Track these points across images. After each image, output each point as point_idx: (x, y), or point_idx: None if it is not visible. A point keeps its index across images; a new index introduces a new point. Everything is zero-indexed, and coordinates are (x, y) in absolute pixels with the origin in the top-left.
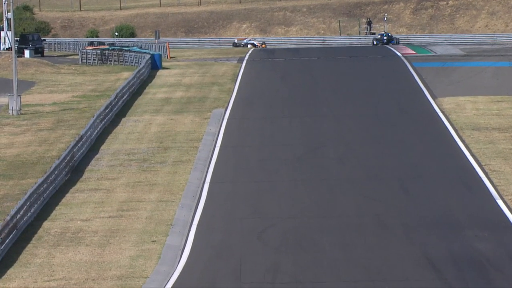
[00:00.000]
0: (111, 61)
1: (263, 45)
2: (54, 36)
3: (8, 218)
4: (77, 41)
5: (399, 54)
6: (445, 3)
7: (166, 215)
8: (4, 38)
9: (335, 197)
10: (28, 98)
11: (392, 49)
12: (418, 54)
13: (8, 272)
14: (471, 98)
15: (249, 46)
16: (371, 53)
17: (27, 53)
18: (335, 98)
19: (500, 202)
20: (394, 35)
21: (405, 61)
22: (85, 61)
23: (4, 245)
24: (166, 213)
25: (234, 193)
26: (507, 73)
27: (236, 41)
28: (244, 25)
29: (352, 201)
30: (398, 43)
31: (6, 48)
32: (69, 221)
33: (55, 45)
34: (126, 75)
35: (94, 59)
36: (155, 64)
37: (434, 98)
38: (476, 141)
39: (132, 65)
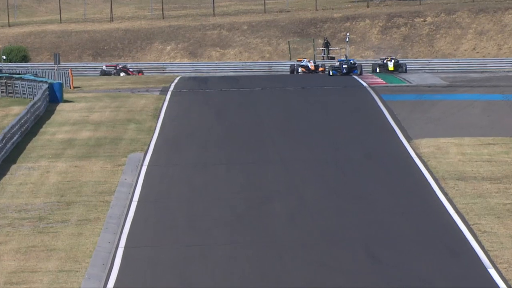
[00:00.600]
0: None
1: (140, 73)
2: None
3: None
4: None
5: (364, 84)
6: (422, 20)
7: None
8: None
9: (284, 266)
10: None
11: (356, 77)
12: (388, 84)
13: None
14: (456, 140)
15: (122, 74)
16: (329, 82)
17: None
18: (285, 139)
19: (492, 272)
20: (359, 60)
21: (372, 93)
22: None
23: None
24: (69, 286)
25: (156, 261)
26: (500, 108)
27: (104, 67)
28: (169, 47)
29: (306, 271)
30: (361, 74)
31: None
32: None
33: None
34: (16, 110)
35: None
36: (54, 96)
37: (409, 140)
38: (462, 194)
39: (24, 98)
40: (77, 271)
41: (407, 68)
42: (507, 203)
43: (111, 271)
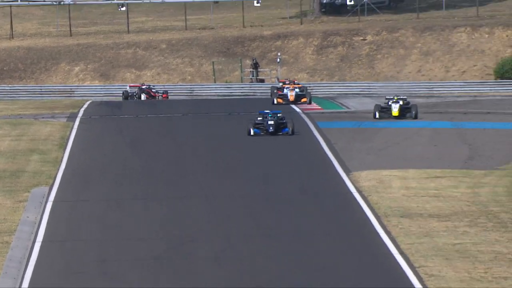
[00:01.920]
0: None
1: (164, 96)
2: None
3: None
4: None
5: (298, 110)
6: (361, 38)
7: None
8: None
9: None
10: None
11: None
12: (325, 110)
13: None
14: (400, 173)
15: (142, 96)
16: (259, 107)
17: None
18: (209, 172)
19: None
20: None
21: (306, 119)
22: None
23: None
24: None
25: None
26: (449, 137)
27: (128, 88)
28: (77, 68)
29: None
30: (311, 102)
31: None
32: None
33: None
34: None
35: None
36: None
37: (347, 172)
38: (406, 233)
39: None
40: None
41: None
42: (456, 243)
43: None
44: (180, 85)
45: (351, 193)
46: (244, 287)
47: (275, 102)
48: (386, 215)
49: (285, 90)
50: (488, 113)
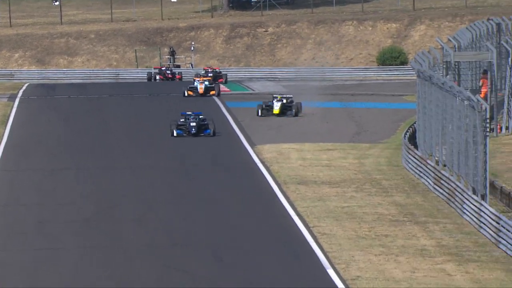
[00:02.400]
0: None
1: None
2: None
3: None
4: None
5: None
6: (264, 30)
7: None
8: None
9: (133, 268)
10: None
11: None
12: (232, 92)
13: None
14: (297, 146)
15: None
16: (175, 89)
17: None
18: (132, 146)
19: (331, 272)
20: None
21: (217, 100)
22: None
23: None
24: None
25: (5, 265)
26: (338, 115)
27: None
28: (17, 55)
29: (153, 273)
30: (219, 95)
31: None
32: None
33: None
34: None
35: None
36: None
37: (252, 145)
38: (303, 198)
39: None
40: None
41: None
42: (344, 206)
43: None
44: (108, 70)
45: (255, 163)
46: (162, 243)
47: (186, 94)
48: (285, 183)
49: (195, 83)
50: (372, 94)
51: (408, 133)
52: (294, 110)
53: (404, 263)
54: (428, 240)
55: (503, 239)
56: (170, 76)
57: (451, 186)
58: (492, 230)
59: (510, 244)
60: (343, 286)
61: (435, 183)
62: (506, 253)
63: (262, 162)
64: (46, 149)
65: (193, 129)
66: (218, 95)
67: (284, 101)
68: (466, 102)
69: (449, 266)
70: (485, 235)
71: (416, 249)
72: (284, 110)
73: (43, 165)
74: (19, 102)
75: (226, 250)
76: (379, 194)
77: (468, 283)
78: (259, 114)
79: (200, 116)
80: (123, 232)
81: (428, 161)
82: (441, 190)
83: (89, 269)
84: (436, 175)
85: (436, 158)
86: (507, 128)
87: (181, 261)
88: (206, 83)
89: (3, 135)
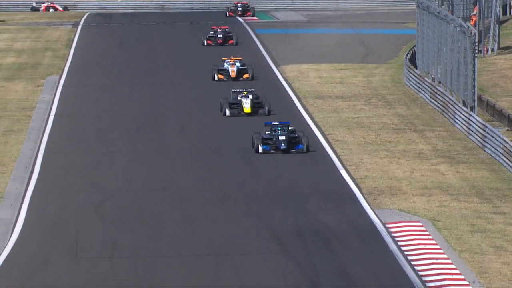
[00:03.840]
0: None
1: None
2: None
3: None
4: None
5: (241, 20)
6: None
7: None
8: None
9: (176, 169)
10: None
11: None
12: (260, 20)
13: None
14: (314, 66)
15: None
16: (213, 19)
17: None
18: (175, 66)
19: (343, 173)
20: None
21: (247, 27)
22: None
23: None
24: None
25: (70, 165)
26: (350, 40)
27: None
28: None
29: (194, 174)
30: (253, 78)
31: None
32: None
33: None
34: None
35: None
36: None
37: (277, 65)
38: (319, 110)
39: None
40: (4, 173)
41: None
42: (355, 117)
43: (32, 173)
44: (155, 1)
45: (279, 81)
46: (200, 148)
47: (216, 78)
48: (305, 97)
49: (225, 65)
50: (378, 22)
51: (408, 55)
52: (267, 108)
53: (405, 165)
54: (425, 145)
55: (488, 143)
56: (220, 41)
57: (445, 99)
58: (479, 136)
59: (494, 148)
60: (354, 184)
61: (431, 97)
62: (491, 155)
63: (285, 80)
64: (104, 68)
65: (283, 144)
66: (252, 78)
67: (250, 97)
68: (458, 28)
69: (443, 167)
70: (473, 141)
71: (415, 152)
72: (255, 107)
73: (102, 82)
74: (81, 29)
75: (254, 155)
76: (384, 107)
77: (459, 180)
78: (227, 114)
79: (290, 127)
80: (168, 139)
81: (426, 79)
82: (436, 103)
83: (139, 170)
84: (433, 90)
85: (433, 76)
86: (492, 50)
87: (217, 164)
88: (238, 64)
89: (68, 56)
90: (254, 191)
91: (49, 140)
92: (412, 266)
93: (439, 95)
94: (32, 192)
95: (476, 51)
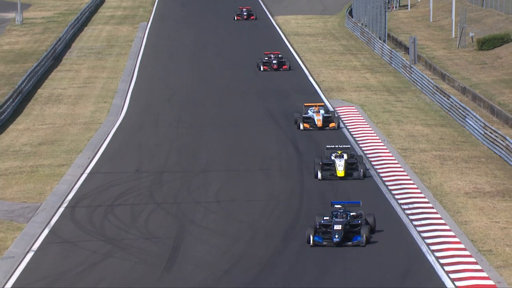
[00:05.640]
0: None
1: None
2: None
3: (16, 87)
4: None
5: None
6: None
7: (112, 86)
8: None
9: (215, 76)
10: (26, 14)
11: None
12: None
13: (17, 119)
14: (294, 17)
15: None
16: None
17: None
18: (218, 19)
19: (310, 79)
20: None
21: None
22: None
23: (14, 103)
24: (113, 85)
25: (154, 73)
26: (314, 1)
27: None
28: None
29: (225, 78)
30: (339, 127)
31: None
32: (53, 89)
33: None
34: (87, 0)
35: None
36: None
37: (272, 15)
38: (297, 42)
39: None
40: (116, 78)
41: None
42: (317, 46)
43: (132, 78)
44: None
45: (273, 25)
46: (230, 64)
47: (302, 127)
48: (288, 35)
49: (309, 112)
50: None
51: (348, 10)
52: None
53: (346, 74)
54: (357, 62)
55: (393, 61)
56: (275, 66)
57: (369, 35)
58: (388, 57)
59: (396, 63)
60: (317, 86)
61: (361, 34)
62: (395, 68)
63: (278, 25)
64: (175, 17)
65: (336, 236)
66: (338, 127)
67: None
68: None
69: (367, 75)
70: (385, 60)
71: (351, 66)
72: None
73: (172, 25)
74: None
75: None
76: (333, 40)
77: (376, 83)
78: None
79: (352, 213)
80: (209, 58)
81: (358, 24)
82: (364, 37)
83: (193, 76)
84: (362, 30)
85: (362, 22)
86: (395, 7)
87: (238, 73)
88: (322, 111)
89: (152, 11)
90: (260, 89)
91: (142, 59)
92: (348, 129)
93: (366, 33)
94: (132, 89)
95: (387, 7)
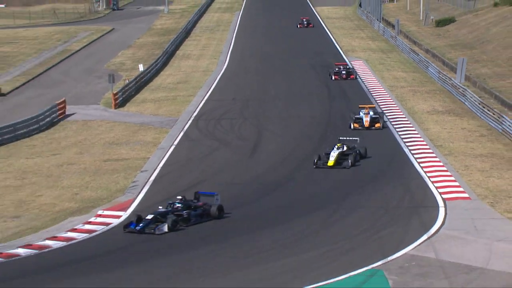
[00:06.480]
0: None
1: None
2: None
3: (164, 49)
4: None
5: None
6: None
7: (219, 49)
8: None
9: (279, 43)
10: (171, 7)
11: None
12: None
13: (164, 69)
14: (326, 7)
15: None
16: None
17: None
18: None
19: (336, 45)
20: None
21: None
22: None
23: (163, 59)
24: (219, 48)
25: (246, 43)
26: None
27: None
28: None
29: (285, 52)
30: (383, 127)
31: None
32: (185, 51)
33: None
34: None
35: None
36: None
37: (314, 6)
38: (328, 22)
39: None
40: (221, 44)
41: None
42: (341, 25)
43: (230, 45)
44: None
45: (316, 14)
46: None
47: (352, 127)
48: (322, 18)
49: (361, 114)
50: None
51: (358, 2)
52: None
53: (357, 41)
54: (364, 34)
55: (386, 35)
56: (344, 76)
57: (370, 19)
58: (384, 34)
59: (387, 35)
60: (340, 48)
61: (366, 18)
62: (388, 40)
63: (317, 13)
64: (256, 10)
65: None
66: (383, 127)
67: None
68: None
69: (370, 42)
70: (383, 35)
71: (360, 37)
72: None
73: (257, 11)
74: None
75: (308, 40)
76: (350, 21)
77: (375, 46)
78: (351, 127)
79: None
80: (283, 40)
81: (364, 11)
82: (367, 20)
83: (272, 45)
84: (367, 15)
85: (367, 10)
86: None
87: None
88: (371, 113)
89: (242, 4)
90: (307, 52)
91: (237, 32)
92: (357, 73)
93: (369, 17)
94: (231, 51)
95: (382, 1)
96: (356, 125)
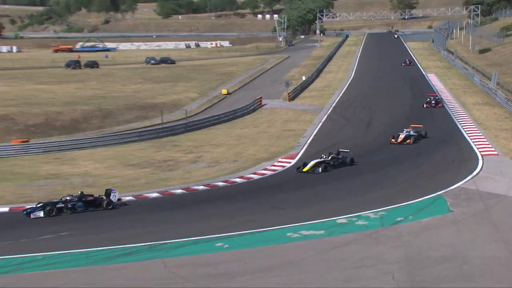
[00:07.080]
0: None
1: None
2: None
3: (317, 68)
4: None
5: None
6: None
7: (348, 67)
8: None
9: (388, 72)
10: (322, 44)
11: None
12: None
13: (316, 80)
14: (412, 43)
15: None
16: None
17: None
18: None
19: (419, 67)
20: None
21: None
22: None
23: (316, 74)
24: (348, 66)
25: (362, 65)
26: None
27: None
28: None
29: (385, 69)
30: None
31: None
32: (328, 68)
33: None
34: (339, 39)
35: None
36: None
37: (405, 42)
38: (415, 53)
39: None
40: (350, 64)
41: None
42: (421, 53)
43: (355, 65)
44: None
45: (406, 46)
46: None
47: (390, 142)
48: (411, 49)
49: (404, 131)
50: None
51: (432, 40)
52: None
53: (431, 62)
54: (435, 58)
55: (447, 58)
56: (434, 105)
57: (439, 49)
58: (445, 56)
59: (449, 58)
60: (421, 68)
61: (436, 48)
62: (449, 61)
63: (406, 45)
64: (371, 46)
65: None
66: (413, 142)
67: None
68: None
69: (438, 62)
70: (445, 57)
71: (432, 59)
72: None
73: (369, 49)
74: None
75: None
76: (426, 51)
77: (441, 64)
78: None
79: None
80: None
81: (435, 45)
82: (436, 49)
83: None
84: (437, 47)
85: None
86: None
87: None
88: (411, 132)
89: (362, 42)
90: (401, 72)
91: (359, 60)
92: (431, 81)
93: (438, 48)
94: (355, 69)
95: (446, 38)
96: (393, 140)
